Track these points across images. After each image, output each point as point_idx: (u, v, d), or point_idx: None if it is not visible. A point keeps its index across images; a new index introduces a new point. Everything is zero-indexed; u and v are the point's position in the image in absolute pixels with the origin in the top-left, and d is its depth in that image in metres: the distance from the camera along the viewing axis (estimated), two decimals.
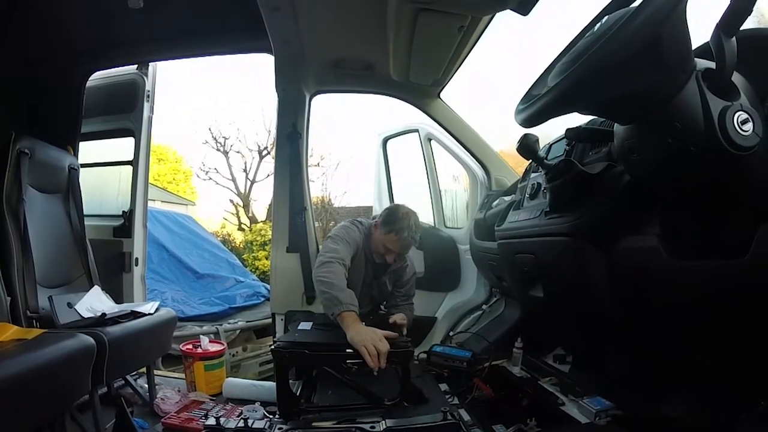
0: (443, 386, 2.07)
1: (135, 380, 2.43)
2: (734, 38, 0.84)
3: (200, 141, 17.80)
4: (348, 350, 1.80)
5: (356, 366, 1.86)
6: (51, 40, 2.83)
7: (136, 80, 3.30)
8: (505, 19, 2.07)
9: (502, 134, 3.37)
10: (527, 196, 1.79)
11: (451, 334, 2.89)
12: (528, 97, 1.16)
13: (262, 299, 5.51)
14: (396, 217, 2.31)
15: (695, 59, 0.91)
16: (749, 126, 0.85)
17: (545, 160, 1.54)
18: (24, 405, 1.33)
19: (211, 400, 2.34)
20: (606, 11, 1.09)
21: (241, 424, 1.78)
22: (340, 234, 2.32)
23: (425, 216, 2.42)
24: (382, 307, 2.72)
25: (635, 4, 0.88)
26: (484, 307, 2.92)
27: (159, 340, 2.30)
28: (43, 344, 1.46)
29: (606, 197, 1.27)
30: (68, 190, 2.62)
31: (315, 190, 11.89)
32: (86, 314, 2.06)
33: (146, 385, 2.35)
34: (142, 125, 3.27)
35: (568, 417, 1.70)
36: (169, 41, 3.06)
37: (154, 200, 10.88)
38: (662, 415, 1.46)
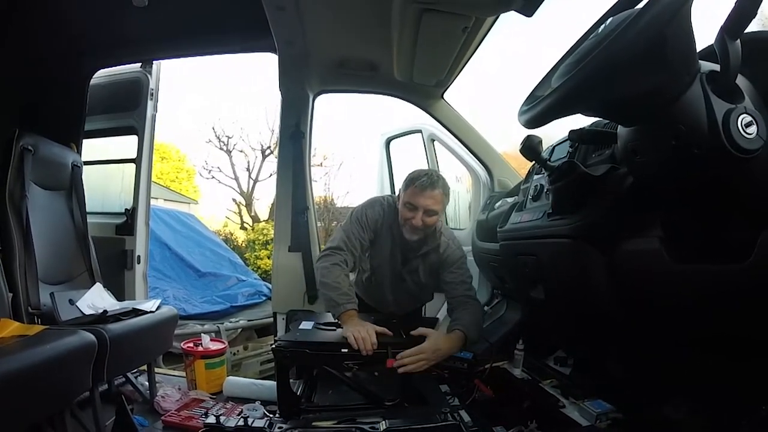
0: (444, 387, 2.06)
1: (136, 378, 2.43)
2: (739, 41, 0.84)
3: (203, 140, 17.88)
4: (347, 351, 1.80)
5: (357, 366, 1.87)
6: (55, 37, 2.84)
7: (140, 78, 3.31)
8: (509, 21, 2.06)
9: (505, 135, 3.36)
10: (530, 197, 1.79)
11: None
12: (531, 99, 1.16)
13: (264, 298, 5.53)
14: (412, 173, 2.19)
15: (699, 61, 0.91)
16: (753, 129, 0.85)
17: (548, 162, 1.54)
18: (24, 401, 1.34)
19: (211, 398, 2.35)
20: (610, 13, 1.09)
21: (241, 422, 1.78)
22: (356, 213, 2.28)
23: None
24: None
25: (640, 6, 0.88)
26: (485, 308, 2.90)
27: (160, 338, 2.30)
28: (45, 341, 1.47)
29: (609, 199, 1.26)
30: (71, 187, 2.63)
31: (317, 190, 11.89)
32: (87, 311, 2.06)
33: (147, 383, 2.36)
34: (145, 123, 3.28)
35: (569, 419, 1.69)
36: (173, 40, 3.07)
37: (156, 198, 10.90)
38: (663, 419, 1.46)
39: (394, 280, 2.38)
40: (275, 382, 1.86)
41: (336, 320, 2.01)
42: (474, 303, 2.22)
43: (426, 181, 2.09)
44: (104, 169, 3.51)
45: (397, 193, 2.28)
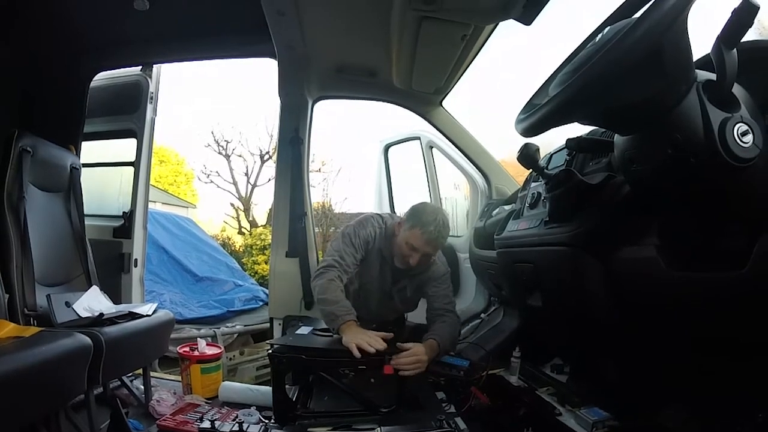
0: (440, 394, 2.06)
1: (131, 381, 2.42)
2: (735, 50, 0.85)
3: (202, 144, 17.93)
4: (344, 357, 1.80)
5: (353, 372, 1.86)
6: (56, 38, 2.85)
7: (139, 81, 3.31)
8: (508, 28, 2.08)
9: (503, 143, 3.38)
10: (527, 205, 1.80)
11: None
12: (529, 107, 1.17)
13: (261, 303, 5.53)
14: (422, 212, 2.15)
15: (696, 70, 0.91)
16: (749, 138, 0.86)
17: (545, 170, 1.55)
18: (19, 402, 1.33)
19: (206, 403, 2.33)
20: (608, 22, 1.10)
21: (236, 428, 1.78)
22: (348, 232, 2.26)
23: None
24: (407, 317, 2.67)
25: (637, 15, 0.89)
26: (482, 315, 2.91)
27: (156, 342, 2.29)
28: (40, 342, 1.46)
29: (605, 207, 1.27)
30: (69, 189, 2.62)
31: (316, 196, 11.88)
32: (84, 314, 2.05)
33: (142, 387, 2.34)
34: (144, 126, 3.28)
35: (565, 427, 1.69)
36: (174, 43, 3.08)
37: (154, 202, 10.88)
38: (659, 426, 1.46)
39: (382, 298, 2.39)
40: (271, 388, 1.85)
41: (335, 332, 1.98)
42: (452, 317, 2.24)
43: (434, 233, 2.08)
44: (103, 171, 3.51)
45: (395, 217, 2.36)
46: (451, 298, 2.33)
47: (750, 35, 0.84)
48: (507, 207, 2.44)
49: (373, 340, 1.79)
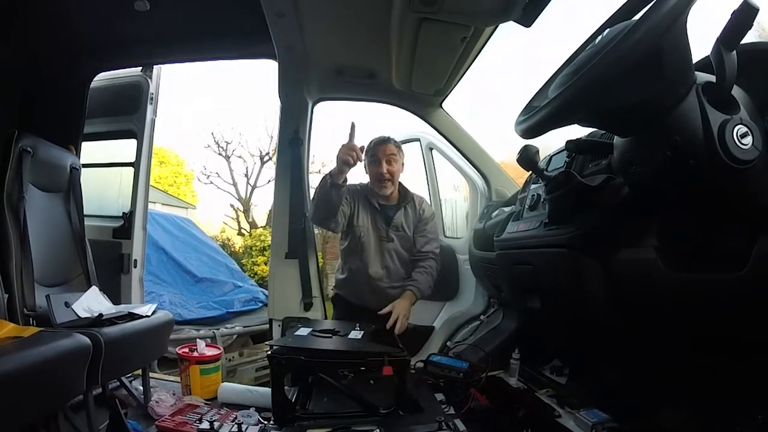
0: (439, 396, 2.06)
1: (130, 382, 2.42)
2: (734, 52, 0.85)
3: (202, 145, 17.88)
4: (343, 359, 1.80)
5: (352, 374, 1.86)
6: (57, 38, 2.85)
7: (140, 82, 3.32)
8: (508, 29, 2.08)
9: (502, 145, 3.38)
10: (527, 207, 1.80)
11: (448, 344, 2.88)
12: (528, 109, 1.17)
13: (260, 305, 5.53)
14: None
15: (696, 72, 0.91)
16: (749, 139, 0.86)
17: (545, 172, 1.55)
18: (18, 402, 1.33)
19: (205, 404, 2.33)
20: (607, 24, 1.10)
21: (235, 429, 1.77)
22: None
23: None
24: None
25: (636, 18, 0.89)
26: (481, 317, 2.90)
27: (155, 343, 2.29)
28: (39, 343, 1.46)
29: (605, 209, 1.27)
30: (69, 189, 2.62)
31: None
32: (83, 314, 2.05)
33: (141, 387, 2.34)
34: (144, 127, 3.29)
35: (565, 429, 1.69)
36: (174, 44, 3.07)
37: (154, 203, 10.88)
38: (659, 426, 1.46)
39: (382, 245, 2.59)
40: (270, 389, 1.85)
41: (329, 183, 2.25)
42: (433, 264, 2.59)
43: (379, 139, 2.60)
44: (102, 172, 3.51)
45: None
46: (438, 242, 2.69)
47: (749, 37, 0.84)
48: (506, 209, 2.44)
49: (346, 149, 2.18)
